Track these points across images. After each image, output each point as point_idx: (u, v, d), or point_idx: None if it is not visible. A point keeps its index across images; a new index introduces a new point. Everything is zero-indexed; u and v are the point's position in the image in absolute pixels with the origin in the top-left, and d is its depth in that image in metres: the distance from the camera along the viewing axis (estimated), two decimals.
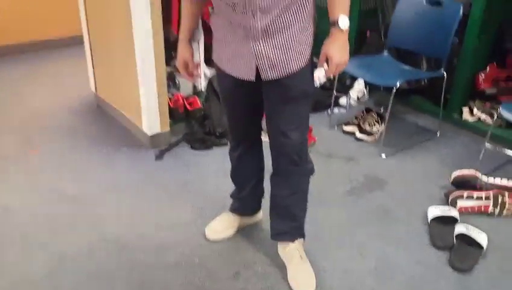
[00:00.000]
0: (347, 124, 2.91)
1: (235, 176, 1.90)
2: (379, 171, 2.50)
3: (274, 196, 1.75)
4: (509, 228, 2.08)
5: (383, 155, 2.64)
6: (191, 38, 1.64)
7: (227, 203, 1.99)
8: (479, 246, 1.89)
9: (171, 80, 2.95)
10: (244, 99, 1.61)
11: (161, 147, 2.66)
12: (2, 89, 3.51)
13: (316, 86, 2.12)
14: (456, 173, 2.33)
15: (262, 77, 1.44)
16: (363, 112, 2.94)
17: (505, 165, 2.53)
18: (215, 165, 2.52)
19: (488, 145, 2.39)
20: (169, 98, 2.78)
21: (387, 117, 2.61)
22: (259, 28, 1.36)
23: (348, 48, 1.41)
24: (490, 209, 2.14)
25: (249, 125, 1.72)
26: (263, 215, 2.00)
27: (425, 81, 3.16)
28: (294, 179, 1.67)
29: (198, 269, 1.79)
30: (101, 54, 3.03)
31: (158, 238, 1.97)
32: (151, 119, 2.63)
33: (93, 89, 3.25)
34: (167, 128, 2.71)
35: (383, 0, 3.20)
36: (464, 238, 1.92)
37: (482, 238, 1.91)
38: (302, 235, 1.80)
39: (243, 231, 1.99)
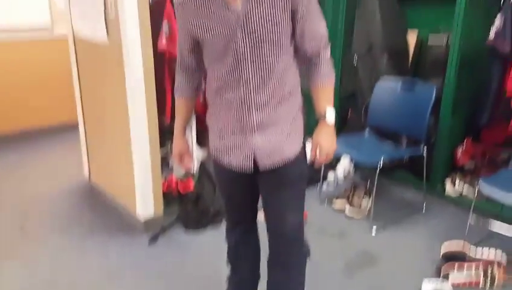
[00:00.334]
0: (337, 199, 3.00)
1: (231, 256, 1.90)
2: (370, 247, 2.55)
3: (271, 280, 1.75)
4: None
5: (374, 230, 2.71)
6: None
7: (224, 288, 2.00)
8: None
9: (164, 163, 3.05)
10: (241, 187, 1.66)
11: (155, 230, 2.69)
12: None
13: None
14: (446, 246, 2.40)
15: (260, 167, 1.51)
16: (351, 188, 3.04)
17: (490, 237, 2.62)
18: (211, 246, 2.54)
19: (472, 218, 2.48)
20: (163, 181, 2.85)
21: (374, 193, 2.72)
22: (255, 122, 1.46)
23: (335, 137, 1.55)
24: (481, 283, 2.19)
25: (245, 209, 1.77)
26: None
27: (407, 157, 3.32)
28: (292, 262, 1.70)
29: None
30: (96, 140, 3.14)
31: None
32: (145, 203, 2.68)
33: (86, 175, 3.31)
34: (161, 212, 2.76)
35: (361, 85, 3.43)
36: None
37: None
38: None
39: None
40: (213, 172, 1.71)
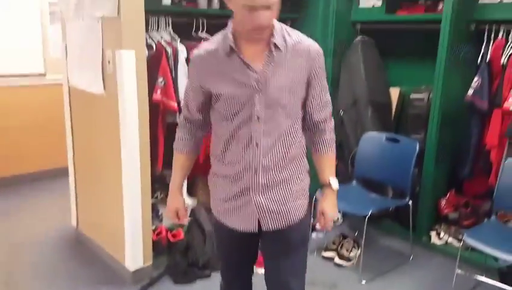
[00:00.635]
0: (326, 249, 3.03)
1: None
2: None
3: None
4: None
5: (363, 281, 2.74)
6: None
7: None
8: None
9: (154, 212, 3.05)
10: (241, 247, 1.65)
11: (143, 282, 2.65)
12: None
13: None
14: None
15: (264, 228, 1.51)
16: (340, 238, 3.08)
17: (477, 285, 2.67)
18: None
19: (459, 270, 2.53)
20: (152, 231, 2.85)
21: (362, 243, 2.76)
22: (261, 183, 1.47)
23: (336, 205, 1.63)
24: None
25: (243, 268, 1.75)
26: None
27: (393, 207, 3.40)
28: None
29: None
30: (85, 188, 3.13)
31: None
32: (134, 253, 2.66)
33: (74, 223, 3.28)
34: (150, 262, 2.73)
35: (346, 137, 3.55)
36: None
37: None
38: None
39: None
40: (213, 232, 1.71)
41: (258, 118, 1.42)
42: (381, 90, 3.50)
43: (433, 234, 3.15)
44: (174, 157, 1.68)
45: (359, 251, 2.95)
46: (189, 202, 3.24)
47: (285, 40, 1.42)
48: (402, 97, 3.52)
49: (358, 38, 3.51)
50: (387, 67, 3.56)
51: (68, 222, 3.33)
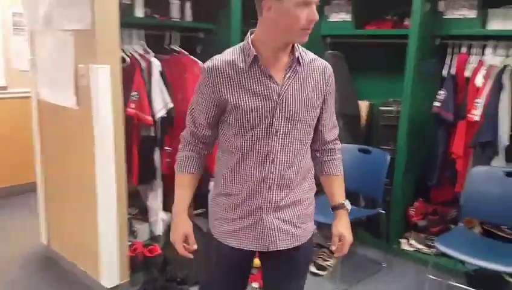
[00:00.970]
0: None
1: None
2: None
3: None
4: None
5: None
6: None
7: None
8: None
9: (128, 228, 3.00)
10: (241, 268, 1.59)
11: None
12: None
13: None
14: None
15: (272, 247, 1.46)
16: (315, 248, 3.13)
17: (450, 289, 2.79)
18: None
19: (431, 276, 2.62)
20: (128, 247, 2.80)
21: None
22: (274, 201, 1.43)
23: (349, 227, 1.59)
24: None
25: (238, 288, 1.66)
26: None
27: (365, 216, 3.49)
28: None
29: None
30: (57, 204, 3.05)
31: None
32: (110, 270, 2.61)
33: (44, 240, 3.18)
34: (127, 279, 2.68)
35: None
36: None
37: None
38: None
39: None
40: (208, 253, 1.57)
41: (277, 132, 1.39)
42: (351, 103, 3.60)
43: (403, 241, 3.25)
44: (177, 179, 1.54)
45: (335, 260, 3.01)
46: (164, 217, 3.21)
47: (302, 57, 1.42)
48: (371, 110, 3.63)
49: (329, 52, 3.60)
50: (356, 80, 3.67)
51: (38, 240, 3.22)
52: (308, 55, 1.46)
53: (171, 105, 2.98)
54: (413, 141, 3.18)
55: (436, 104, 3.05)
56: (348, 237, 1.55)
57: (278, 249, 1.47)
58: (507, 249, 2.59)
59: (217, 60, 1.41)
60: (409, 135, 3.14)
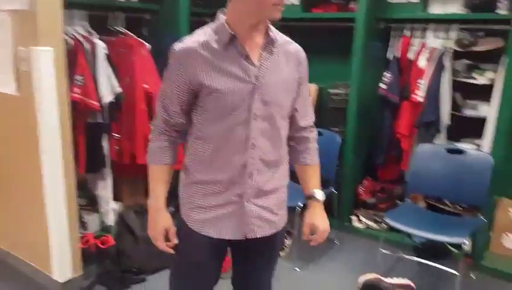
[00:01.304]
0: None
1: None
2: (297, 284, 2.69)
3: None
4: None
5: (297, 269, 2.86)
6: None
7: None
8: None
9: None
10: (216, 257, 1.53)
11: None
12: None
13: None
14: (363, 279, 2.62)
15: (250, 235, 1.43)
16: None
17: (397, 264, 2.93)
18: None
19: (382, 250, 2.75)
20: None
21: (295, 233, 2.88)
22: (255, 187, 1.39)
23: (326, 217, 1.54)
24: None
25: (212, 281, 1.59)
26: None
27: None
28: None
29: None
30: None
31: None
32: (62, 264, 2.49)
33: None
34: (80, 272, 2.57)
35: None
36: None
37: None
38: None
39: None
40: (180, 244, 1.49)
41: (256, 115, 1.34)
42: None
43: (354, 218, 3.38)
44: (151, 171, 1.47)
45: (290, 240, 3.07)
46: (115, 206, 3.09)
47: (277, 38, 1.37)
48: (320, 93, 3.69)
49: None
50: None
51: None
52: (282, 38, 1.42)
53: (119, 89, 2.86)
54: (362, 123, 3.29)
55: (382, 86, 3.17)
56: (322, 226, 1.52)
57: (257, 236, 1.45)
58: (450, 221, 2.78)
59: (188, 41, 1.34)
60: (357, 117, 3.24)
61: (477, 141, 2.99)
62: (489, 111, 2.86)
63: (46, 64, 2.27)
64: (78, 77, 2.67)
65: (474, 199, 2.77)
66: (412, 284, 2.56)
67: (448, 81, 2.98)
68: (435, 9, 3.04)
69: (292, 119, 1.50)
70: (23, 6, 2.23)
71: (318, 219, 1.52)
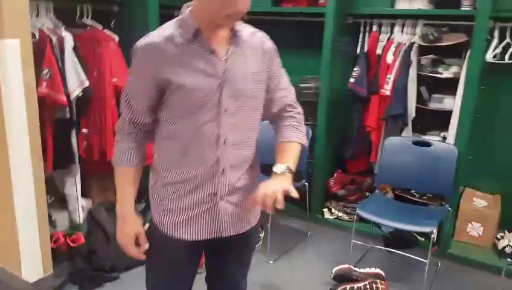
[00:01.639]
0: None
1: None
2: (271, 277, 2.73)
3: None
4: None
5: (271, 261, 2.90)
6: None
7: None
8: None
9: None
10: (191, 258, 1.50)
11: None
12: None
13: None
14: (335, 269, 2.68)
15: (225, 233, 1.41)
16: None
17: (368, 254, 3.02)
18: None
19: (354, 241, 2.81)
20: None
21: (269, 226, 2.91)
22: (228, 185, 1.36)
23: (287, 185, 1.30)
24: None
25: (187, 283, 1.56)
26: None
27: None
28: None
29: None
30: None
31: None
32: (32, 263, 2.41)
33: None
34: (50, 271, 2.50)
35: None
36: None
37: None
38: None
39: None
40: (157, 248, 1.44)
41: (226, 110, 1.30)
42: None
43: (325, 210, 3.45)
44: (118, 173, 1.42)
45: (263, 234, 3.09)
46: (84, 203, 3.03)
47: (243, 31, 1.35)
48: None
49: None
50: None
51: None
52: (248, 29, 1.39)
53: (87, 83, 2.78)
54: (332, 116, 3.34)
55: (351, 80, 3.23)
56: (261, 188, 1.28)
57: (231, 234, 1.42)
58: (418, 211, 2.88)
59: (152, 36, 1.29)
60: (327, 111, 3.29)
61: (442, 133, 3.10)
62: (454, 104, 2.97)
63: (13, 57, 2.19)
64: (45, 71, 2.59)
65: (440, 189, 2.89)
66: (382, 272, 2.64)
67: (415, 75, 3.08)
68: (402, 5, 3.11)
69: (271, 101, 1.45)
70: None
71: (262, 185, 1.31)
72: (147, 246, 1.42)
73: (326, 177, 3.49)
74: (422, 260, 2.58)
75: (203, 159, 1.33)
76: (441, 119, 3.08)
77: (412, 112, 3.10)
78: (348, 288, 2.54)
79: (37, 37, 2.61)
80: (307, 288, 2.64)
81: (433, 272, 2.78)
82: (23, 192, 2.33)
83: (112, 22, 3.18)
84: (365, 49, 3.26)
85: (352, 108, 3.34)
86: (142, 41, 1.30)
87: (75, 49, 2.76)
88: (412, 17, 3.08)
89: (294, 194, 1.27)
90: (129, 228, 1.41)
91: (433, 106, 3.12)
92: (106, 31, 2.96)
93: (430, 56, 3.12)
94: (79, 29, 2.91)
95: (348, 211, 3.37)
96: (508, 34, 2.82)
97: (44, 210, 2.45)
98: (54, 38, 2.67)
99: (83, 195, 3.03)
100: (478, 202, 3.07)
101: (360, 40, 3.31)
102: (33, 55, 2.33)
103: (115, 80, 2.89)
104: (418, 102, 3.12)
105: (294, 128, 1.47)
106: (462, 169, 2.80)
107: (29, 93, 2.28)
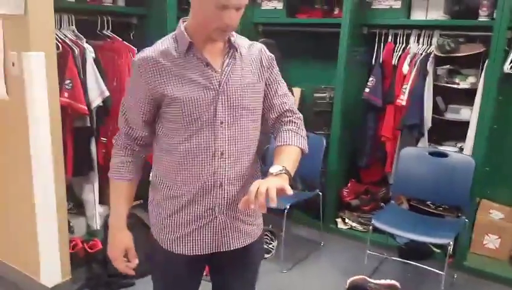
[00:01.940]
0: None
1: None
2: (284, 286, 2.74)
3: None
4: None
5: (284, 270, 2.91)
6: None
7: None
8: None
9: None
10: (193, 277, 1.50)
11: None
12: None
13: None
14: (350, 280, 2.67)
15: (226, 247, 1.40)
16: None
17: (382, 265, 3.00)
18: None
19: (369, 251, 2.81)
20: None
21: (283, 235, 2.93)
22: (226, 198, 1.34)
23: (281, 182, 1.20)
24: None
25: None
26: None
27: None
28: None
29: None
30: None
31: None
32: (51, 268, 2.48)
33: None
34: (69, 277, 2.56)
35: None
36: None
37: None
38: None
39: None
40: (155, 264, 1.46)
41: (222, 122, 1.30)
42: None
43: (339, 220, 3.45)
44: (113, 187, 1.42)
45: (276, 243, 3.11)
46: (101, 210, 3.09)
47: (238, 43, 1.36)
48: (302, 96, 3.75)
49: (261, 40, 3.65)
50: (288, 68, 3.76)
51: None
52: (244, 41, 1.40)
53: (107, 93, 2.86)
54: (346, 126, 3.36)
55: (366, 90, 3.24)
56: (263, 184, 1.17)
57: (231, 248, 1.41)
58: (434, 222, 2.86)
59: (148, 50, 1.32)
60: (342, 120, 3.30)
61: (459, 144, 3.09)
62: (471, 115, 2.95)
63: (38, 69, 2.27)
64: (67, 81, 2.67)
65: (456, 200, 2.86)
66: (398, 284, 2.63)
67: (431, 85, 3.07)
68: (418, 16, 3.12)
69: (271, 108, 1.43)
70: (14, 11, 2.22)
71: (254, 183, 1.21)
72: (136, 261, 1.42)
73: (340, 186, 3.50)
74: (438, 271, 2.56)
75: (200, 172, 1.32)
76: (457, 130, 3.07)
77: (428, 122, 3.09)
78: None
79: (60, 48, 2.70)
80: None
81: (449, 284, 2.75)
82: (44, 198, 2.40)
83: (131, 34, 3.28)
84: (380, 60, 3.27)
85: (366, 117, 3.35)
86: (138, 56, 1.33)
87: (95, 60, 2.84)
88: (428, 27, 3.09)
89: (289, 191, 1.19)
90: (119, 242, 1.42)
91: (449, 116, 3.12)
92: (125, 43, 3.05)
93: (447, 66, 3.12)
94: (99, 41, 2.99)
95: (362, 221, 3.37)
96: None
97: (64, 216, 2.51)
98: (76, 50, 2.76)
99: (101, 202, 3.09)
100: (495, 213, 3.04)
101: (375, 50, 3.32)
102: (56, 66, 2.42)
103: None
104: (434, 112, 3.11)
105: (293, 132, 1.42)
106: (479, 180, 2.78)
107: (52, 104, 2.37)
